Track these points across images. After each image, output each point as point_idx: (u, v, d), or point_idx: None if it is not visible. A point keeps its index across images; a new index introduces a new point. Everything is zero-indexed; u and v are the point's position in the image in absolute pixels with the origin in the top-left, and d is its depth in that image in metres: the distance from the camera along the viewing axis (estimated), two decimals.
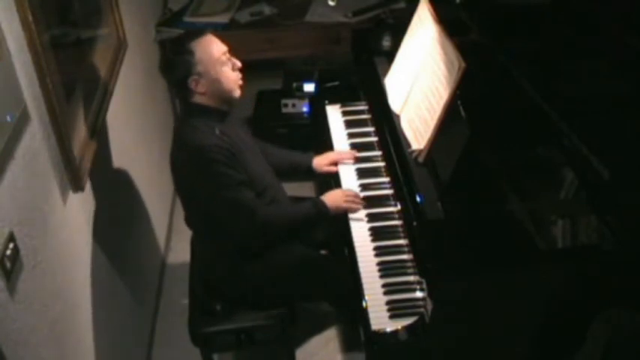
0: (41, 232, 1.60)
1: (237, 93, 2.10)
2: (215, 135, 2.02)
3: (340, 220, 2.18)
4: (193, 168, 2.02)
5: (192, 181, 2.05)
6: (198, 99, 2.04)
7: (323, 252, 2.45)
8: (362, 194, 2.22)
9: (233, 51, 2.11)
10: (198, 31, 2.07)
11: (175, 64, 2.02)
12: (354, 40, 2.96)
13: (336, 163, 2.42)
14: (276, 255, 2.17)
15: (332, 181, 2.41)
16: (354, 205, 2.15)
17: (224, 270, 2.19)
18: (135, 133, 2.69)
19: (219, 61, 2.02)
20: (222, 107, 2.09)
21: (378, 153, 2.37)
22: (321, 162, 2.44)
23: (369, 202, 2.19)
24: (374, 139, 2.46)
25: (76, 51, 2.01)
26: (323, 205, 2.15)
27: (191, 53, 1.99)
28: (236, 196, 2.02)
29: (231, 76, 2.06)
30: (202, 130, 2.02)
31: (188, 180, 2.08)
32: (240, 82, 2.10)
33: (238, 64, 2.10)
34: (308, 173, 2.46)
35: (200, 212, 2.14)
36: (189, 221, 2.26)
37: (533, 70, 2.05)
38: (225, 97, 2.08)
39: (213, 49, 2.03)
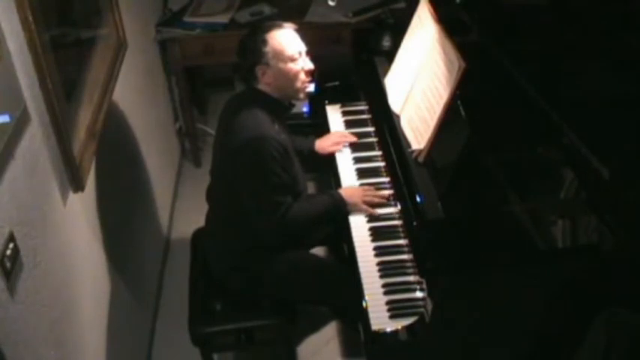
0: (41, 232, 1.60)
1: (301, 96, 2.12)
2: (274, 129, 2.02)
3: (339, 219, 2.18)
4: (248, 155, 2.00)
5: (241, 166, 2.03)
6: (262, 87, 2.06)
7: (321, 249, 2.44)
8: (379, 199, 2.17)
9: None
10: (278, 24, 2.08)
11: (246, 49, 2.04)
12: (354, 40, 2.96)
13: (338, 143, 2.44)
14: (285, 256, 2.17)
15: (332, 180, 2.41)
16: (370, 210, 2.11)
17: (234, 260, 2.18)
18: (135, 132, 2.69)
19: (290, 57, 2.03)
20: (284, 102, 2.11)
21: (378, 153, 2.37)
22: (323, 144, 2.46)
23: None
24: (374, 139, 2.46)
25: (76, 51, 2.01)
26: (341, 199, 2.14)
27: (264, 42, 2.00)
28: (276, 200, 2.02)
29: (298, 75, 2.06)
30: (263, 119, 2.02)
31: (237, 164, 2.05)
32: (307, 86, 2.10)
33: (310, 66, 2.10)
34: (311, 157, 2.46)
35: (232, 196, 2.11)
36: (213, 197, 2.26)
37: (533, 70, 2.05)
38: (288, 94, 2.09)
39: (288, 45, 2.03)
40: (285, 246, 2.17)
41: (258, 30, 2.05)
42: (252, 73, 2.06)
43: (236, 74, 3.49)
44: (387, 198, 2.15)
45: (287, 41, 2.04)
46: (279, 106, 2.09)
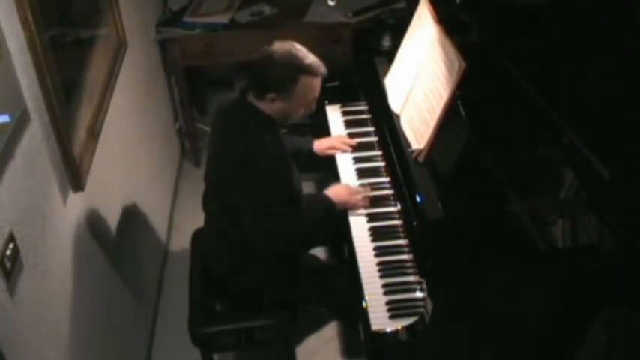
0: (41, 232, 1.60)
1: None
2: (267, 141, 2.00)
3: (339, 220, 2.17)
4: (245, 170, 1.99)
5: (238, 181, 2.01)
6: (263, 106, 2.01)
7: (321, 249, 2.45)
8: (365, 193, 2.19)
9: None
10: (315, 67, 1.98)
11: (272, 76, 1.96)
12: (354, 40, 2.95)
13: (335, 148, 2.45)
14: (285, 257, 2.17)
15: (332, 180, 2.41)
16: (360, 203, 2.14)
17: (233, 261, 2.17)
18: (135, 133, 2.69)
19: (308, 103, 2.03)
20: (278, 120, 2.10)
21: (378, 153, 2.38)
22: (321, 145, 2.46)
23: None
24: (374, 139, 2.46)
25: (76, 51, 2.01)
26: (330, 202, 2.14)
27: (294, 81, 1.95)
28: (274, 213, 2.01)
29: (300, 114, 2.07)
30: (261, 134, 2.00)
31: (232, 180, 2.04)
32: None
33: (313, 106, 2.09)
34: (309, 157, 2.45)
35: (229, 208, 2.10)
36: (209, 205, 2.25)
37: (533, 70, 2.05)
38: (283, 121, 2.09)
39: (313, 93, 2.01)
40: (283, 257, 2.16)
41: (291, 64, 1.95)
42: (261, 93, 2.00)
43: (236, 74, 3.47)
44: (372, 189, 2.17)
45: (314, 90, 2.01)
46: (273, 121, 2.07)
